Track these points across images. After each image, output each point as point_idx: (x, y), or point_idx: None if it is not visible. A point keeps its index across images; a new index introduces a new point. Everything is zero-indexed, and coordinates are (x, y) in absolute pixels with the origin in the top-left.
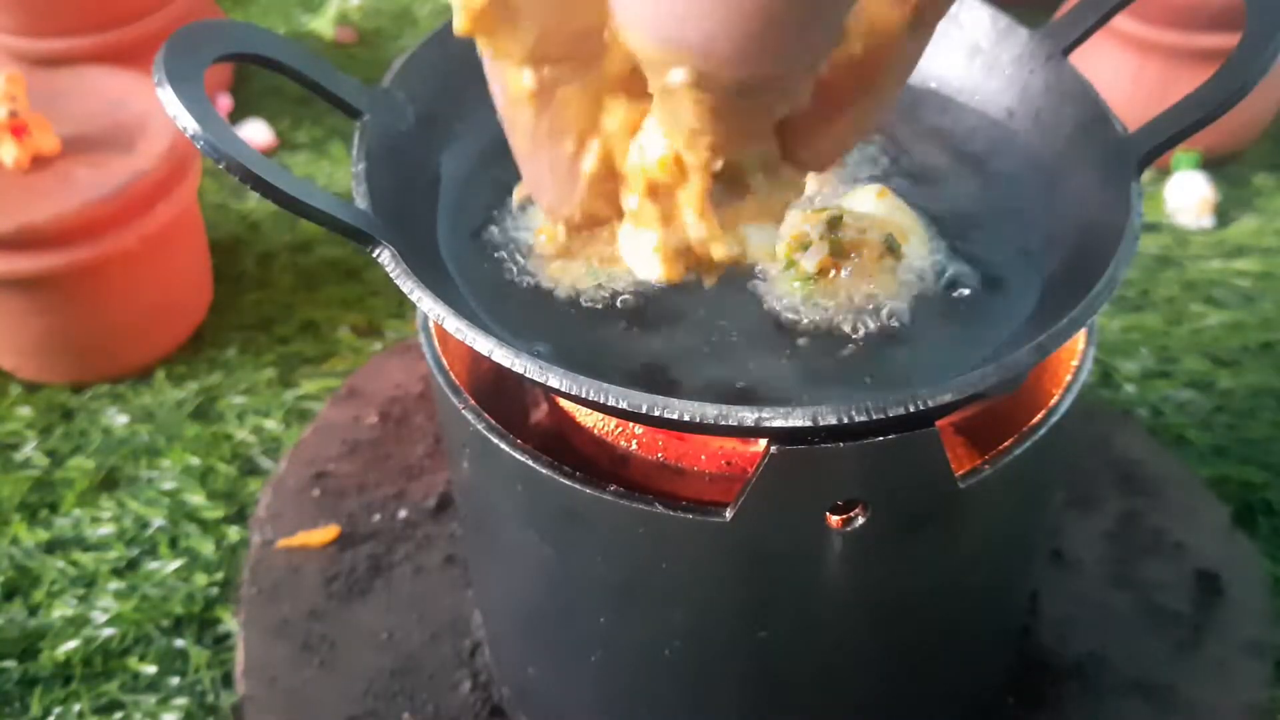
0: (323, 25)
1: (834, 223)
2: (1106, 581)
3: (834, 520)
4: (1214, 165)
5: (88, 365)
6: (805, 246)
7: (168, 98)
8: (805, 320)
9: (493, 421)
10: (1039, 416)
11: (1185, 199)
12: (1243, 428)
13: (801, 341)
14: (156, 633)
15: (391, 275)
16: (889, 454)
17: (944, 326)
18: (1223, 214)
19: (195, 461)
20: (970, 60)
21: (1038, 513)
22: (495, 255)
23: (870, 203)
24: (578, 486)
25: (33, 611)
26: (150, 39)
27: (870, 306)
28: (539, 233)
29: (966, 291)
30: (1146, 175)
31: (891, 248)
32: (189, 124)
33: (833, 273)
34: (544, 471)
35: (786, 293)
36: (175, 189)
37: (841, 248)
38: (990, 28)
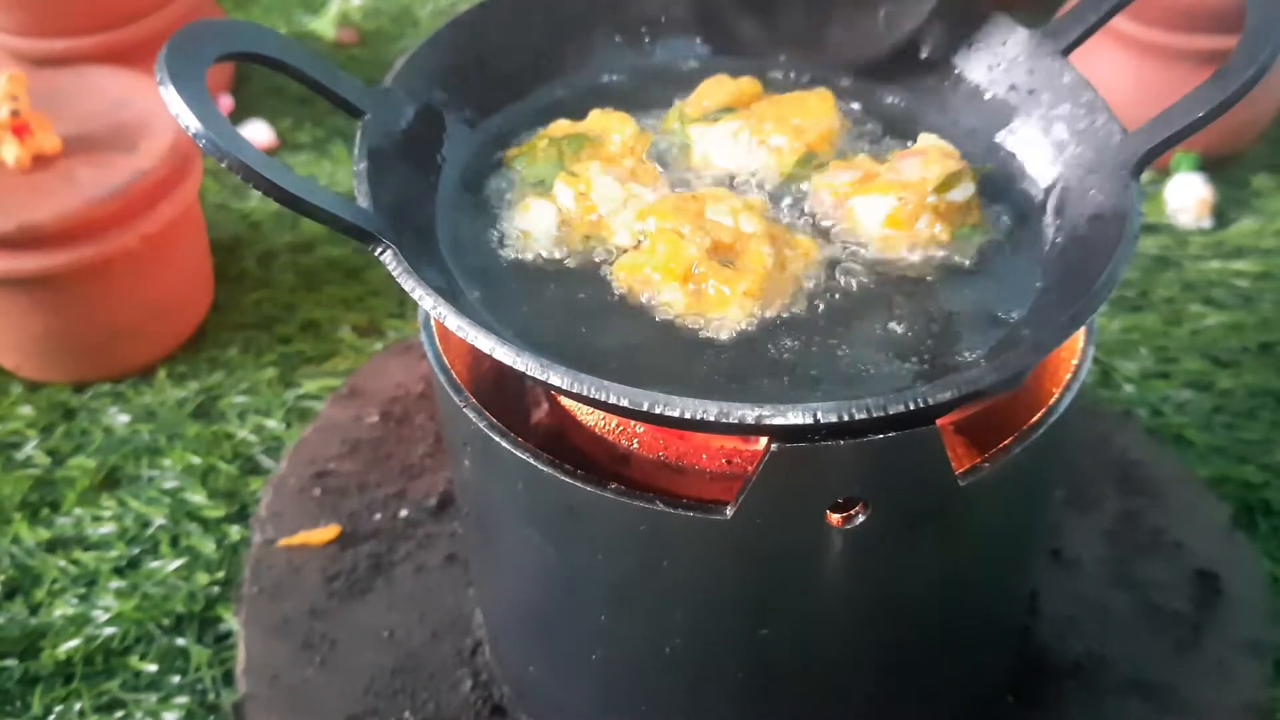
0: (324, 26)
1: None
2: (1106, 581)
3: (834, 518)
4: (1213, 166)
5: (89, 364)
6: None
7: (170, 96)
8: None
9: (494, 420)
10: (1039, 416)
11: (1184, 200)
12: (1242, 428)
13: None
14: (157, 631)
15: (393, 274)
16: (889, 452)
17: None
18: (1221, 215)
19: (196, 460)
20: (970, 60)
21: (1037, 512)
22: (494, 252)
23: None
24: (579, 485)
25: (34, 610)
26: (151, 38)
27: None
28: (523, 235)
29: (967, 292)
30: (1146, 176)
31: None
32: (191, 122)
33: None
34: (545, 470)
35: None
36: (177, 188)
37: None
38: (991, 27)
